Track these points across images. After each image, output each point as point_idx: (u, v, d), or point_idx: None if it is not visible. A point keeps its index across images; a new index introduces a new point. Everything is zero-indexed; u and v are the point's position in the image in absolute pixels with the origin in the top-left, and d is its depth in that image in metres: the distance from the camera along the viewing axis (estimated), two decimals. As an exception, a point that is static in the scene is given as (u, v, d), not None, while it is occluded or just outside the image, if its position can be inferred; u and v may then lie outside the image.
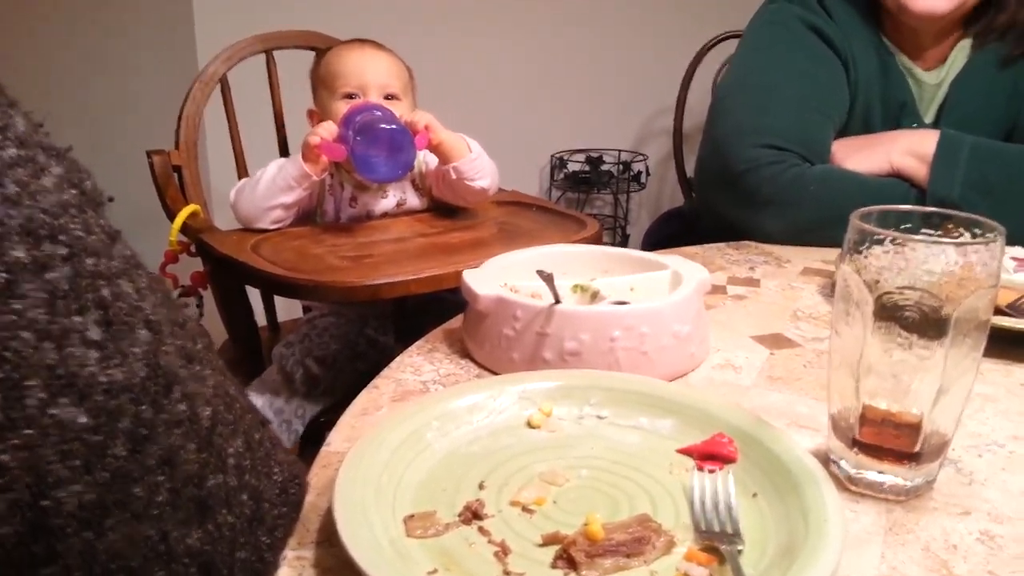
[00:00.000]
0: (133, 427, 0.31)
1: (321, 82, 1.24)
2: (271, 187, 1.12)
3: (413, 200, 1.26)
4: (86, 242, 0.32)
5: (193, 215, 1.18)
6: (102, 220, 0.34)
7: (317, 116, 1.26)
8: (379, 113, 1.11)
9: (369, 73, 1.21)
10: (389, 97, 1.22)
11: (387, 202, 1.24)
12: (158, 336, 0.34)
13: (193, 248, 1.17)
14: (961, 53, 1.12)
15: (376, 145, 1.06)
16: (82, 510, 0.30)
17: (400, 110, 1.20)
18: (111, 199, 0.36)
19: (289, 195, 1.13)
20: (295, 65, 1.47)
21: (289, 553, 0.44)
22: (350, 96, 1.21)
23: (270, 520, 0.40)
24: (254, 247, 1.05)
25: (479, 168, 1.17)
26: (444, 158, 1.16)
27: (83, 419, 0.30)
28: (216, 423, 0.36)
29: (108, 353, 0.31)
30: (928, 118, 1.15)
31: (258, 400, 1.14)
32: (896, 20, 1.10)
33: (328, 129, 1.12)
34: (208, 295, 1.26)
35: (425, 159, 1.26)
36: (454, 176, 1.17)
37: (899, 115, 1.14)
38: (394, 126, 1.07)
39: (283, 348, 1.21)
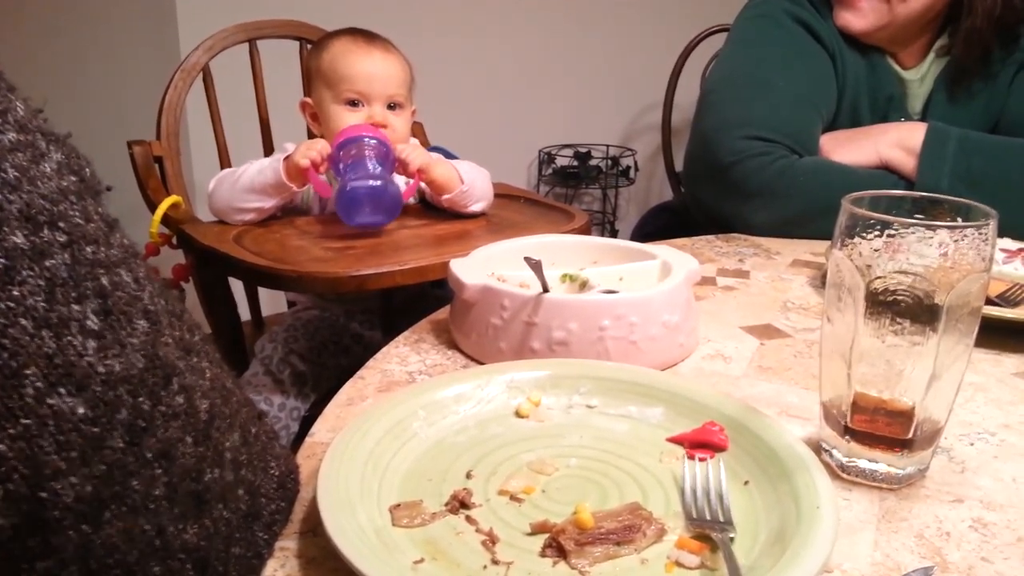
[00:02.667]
0: (131, 419, 0.31)
1: (322, 78, 1.18)
2: (248, 189, 1.09)
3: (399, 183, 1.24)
4: (85, 230, 0.31)
5: (174, 206, 1.16)
6: (100, 208, 0.34)
7: (311, 110, 1.22)
8: (371, 162, 1.04)
9: (377, 82, 1.16)
10: (393, 106, 1.18)
11: None
12: (156, 327, 0.33)
13: (175, 240, 1.15)
14: (940, 52, 1.13)
15: (363, 201, 1.02)
16: (79, 502, 0.29)
17: (401, 120, 1.18)
18: (109, 188, 0.35)
19: (265, 201, 1.09)
20: (279, 55, 1.45)
21: (271, 543, 0.43)
22: (353, 103, 1.16)
23: (267, 515, 0.39)
24: (236, 238, 1.03)
25: (471, 195, 1.15)
26: (437, 191, 1.15)
27: (81, 410, 0.29)
28: (214, 417, 0.35)
29: (106, 343, 0.30)
30: (915, 112, 1.16)
31: None
32: None
33: (321, 152, 1.07)
34: (190, 289, 1.24)
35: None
36: (446, 205, 1.16)
37: (887, 109, 1.14)
38: (379, 183, 1.02)
39: (266, 342, 1.19)
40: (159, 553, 0.32)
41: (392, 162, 1.09)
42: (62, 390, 0.28)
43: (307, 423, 1.15)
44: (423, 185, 1.16)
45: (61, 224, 0.30)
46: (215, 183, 1.13)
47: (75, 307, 0.30)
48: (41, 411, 0.28)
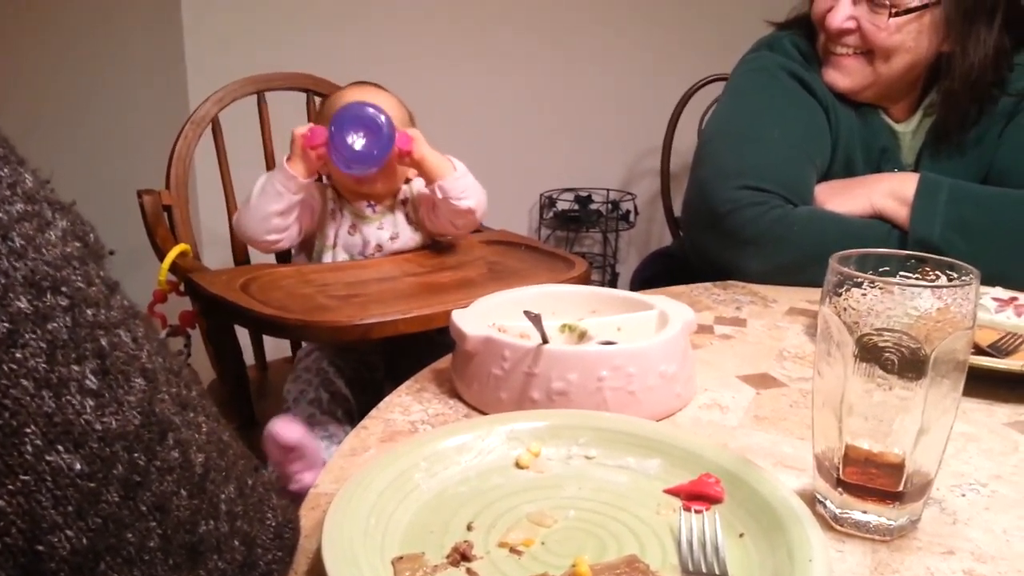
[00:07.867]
0: (127, 474, 0.32)
1: (321, 120, 1.24)
2: (261, 198, 1.16)
3: (406, 233, 1.27)
4: (86, 293, 0.33)
5: (182, 254, 1.18)
6: (102, 272, 0.35)
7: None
8: (369, 108, 1.15)
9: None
10: None
11: (383, 233, 1.25)
12: (153, 384, 0.34)
13: (182, 287, 1.17)
14: (928, 110, 1.17)
15: (355, 125, 1.12)
16: (74, 555, 0.30)
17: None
18: (112, 252, 0.37)
19: (279, 202, 1.16)
20: (286, 106, 1.49)
21: (276, 596, 0.44)
22: None
23: (263, 566, 0.40)
24: (243, 286, 1.05)
25: (464, 187, 1.18)
26: (429, 176, 1.18)
27: (78, 466, 0.30)
28: (209, 469, 0.37)
29: (104, 401, 0.32)
30: (908, 164, 1.18)
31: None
32: None
33: (313, 129, 1.16)
34: (196, 335, 1.26)
35: (412, 188, 1.28)
36: (440, 195, 1.18)
37: (880, 160, 1.17)
38: (373, 109, 1.12)
39: (291, 384, 1.18)
40: None
41: (388, 137, 1.14)
42: (60, 447, 0.30)
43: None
44: (417, 190, 1.24)
45: (64, 289, 0.32)
46: (237, 217, 1.20)
47: (75, 367, 0.31)
48: (40, 468, 0.29)
